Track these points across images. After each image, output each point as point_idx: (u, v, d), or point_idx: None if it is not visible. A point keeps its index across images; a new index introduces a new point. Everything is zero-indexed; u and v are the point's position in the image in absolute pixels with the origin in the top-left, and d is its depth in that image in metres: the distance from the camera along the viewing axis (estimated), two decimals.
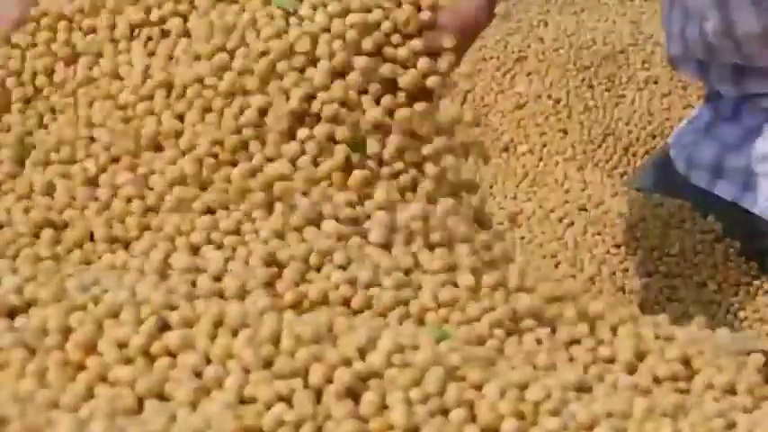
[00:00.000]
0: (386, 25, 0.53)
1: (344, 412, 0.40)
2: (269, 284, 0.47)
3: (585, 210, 0.92)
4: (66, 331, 0.42)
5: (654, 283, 0.86)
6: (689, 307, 0.86)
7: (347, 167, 0.51)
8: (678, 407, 0.45)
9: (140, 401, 0.40)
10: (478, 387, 0.43)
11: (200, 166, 0.51)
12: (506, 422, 0.41)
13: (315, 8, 0.53)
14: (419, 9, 0.54)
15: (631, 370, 0.47)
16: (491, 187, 1.04)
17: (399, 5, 0.54)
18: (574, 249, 0.89)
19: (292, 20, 0.53)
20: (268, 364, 0.42)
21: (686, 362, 0.49)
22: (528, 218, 0.94)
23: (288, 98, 0.51)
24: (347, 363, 0.42)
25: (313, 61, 0.52)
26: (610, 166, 1.03)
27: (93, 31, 0.55)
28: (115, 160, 0.52)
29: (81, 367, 0.42)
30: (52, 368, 0.41)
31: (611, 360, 0.48)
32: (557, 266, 0.89)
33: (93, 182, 0.51)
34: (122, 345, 0.42)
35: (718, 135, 0.91)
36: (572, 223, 0.91)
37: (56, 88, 0.55)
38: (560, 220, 0.92)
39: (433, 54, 0.54)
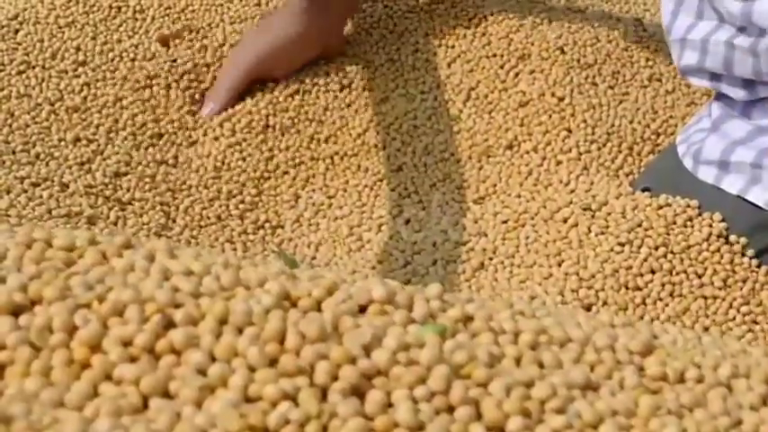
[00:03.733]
0: None
1: (350, 410, 0.40)
2: None
3: (590, 210, 0.92)
4: (71, 329, 0.42)
5: (656, 280, 0.86)
6: (691, 303, 0.86)
7: None
8: (684, 405, 0.45)
9: (145, 400, 0.40)
10: (484, 385, 0.43)
11: None
12: (512, 420, 0.41)
13: None
14: None
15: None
16: (495, 186, 1.04)
17: None
18: (578, 249, 0.89)
19: None
20: (273, 362, 0.42)
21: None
22: (532, 217, 0.94)
23: None
24: (352, 361, 0.42)
25: None
26: (615, 166, 1.03)
27: None
28: None
29: (86, 365, 0.42)
30: (57, 366, 0.41)
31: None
32: (560, 265, 0.89)
33: None
34: (127, 343, 0.42)
35: (727, 130, 0.91)
36: (576, 224, 0.91)
37: None
38: (565, 221, 0.92)
39: None
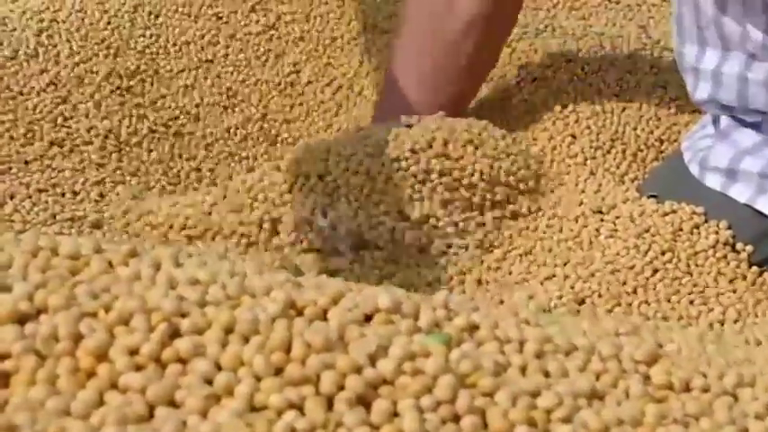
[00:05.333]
0: None
1: (356, 419, 0.40)
2: None
3: (601, 212, 0.92)
4: (77, 338, 0.42)
5: (657, 276, 0.86)
6: (680, 288, 0.86)
7: None
8: (689, 414, 0.45)
9: (151, 408, 0.40)
10: (490, 394, 0.43)
11: None
12: (518, 429, 0.41)
13: None
14: None
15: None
16: None
17: None
18: (588, 250, 0.89)
19: None
20: (279, 371, 0.42)
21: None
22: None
23: None
24: (358, 370, 0.42)
25: None
26: (620, 172, 1.02)
27: None
28: None
29: (92, 374, 0.42)
30: (63, 375, 0.41)
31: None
32: (565, 264, 0.89)
33: None
34: (133, 352, 0.42)
35: (735, 139, 0.91)
36: (586, 225, 0.91)
37: None
38: (576, 220, 0.92)
39: None
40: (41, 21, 1.15)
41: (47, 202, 0.96)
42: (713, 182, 0.92)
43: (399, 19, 1.17)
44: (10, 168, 0.99)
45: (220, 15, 1.23)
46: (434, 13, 1.04)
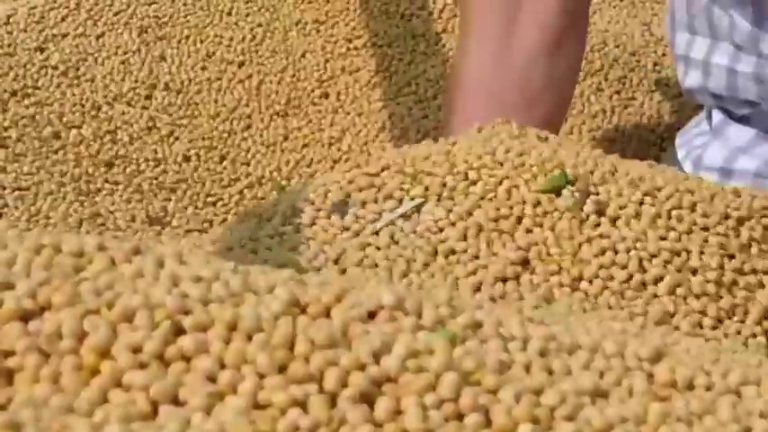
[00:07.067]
0: None
1: (359, 417, 0.40)
2: None
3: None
4: (81, 336, 0.42)
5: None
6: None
7: None
8: (693, 412, 0.45)
9: (154, 406, 0.40)
10: (493, 392, 0.43)
11: None
12: (521, 427, 0.41)
13: None
14: None
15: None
16: None
17: None
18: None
19: None
20: (282, 368, 0.42)
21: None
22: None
23: None
24: (362, 367, 0.42)
25: None
26: None
27: None
28: None
29: (95, 372, 0.42)
30: (66, 373, 0.41)
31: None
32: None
33: None
34: (136, 349, 0.42)
35: (729, 136, 0.91)
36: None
37: None
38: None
39: None
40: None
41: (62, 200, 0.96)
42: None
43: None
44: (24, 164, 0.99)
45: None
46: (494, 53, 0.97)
